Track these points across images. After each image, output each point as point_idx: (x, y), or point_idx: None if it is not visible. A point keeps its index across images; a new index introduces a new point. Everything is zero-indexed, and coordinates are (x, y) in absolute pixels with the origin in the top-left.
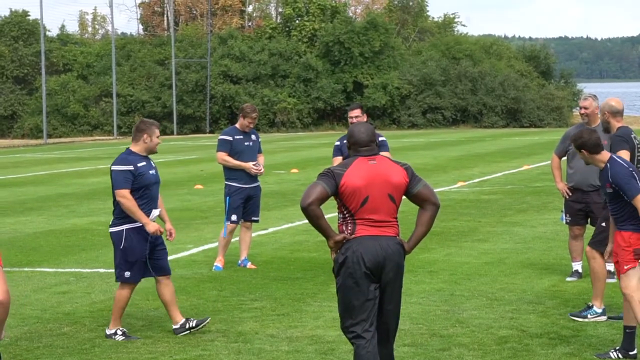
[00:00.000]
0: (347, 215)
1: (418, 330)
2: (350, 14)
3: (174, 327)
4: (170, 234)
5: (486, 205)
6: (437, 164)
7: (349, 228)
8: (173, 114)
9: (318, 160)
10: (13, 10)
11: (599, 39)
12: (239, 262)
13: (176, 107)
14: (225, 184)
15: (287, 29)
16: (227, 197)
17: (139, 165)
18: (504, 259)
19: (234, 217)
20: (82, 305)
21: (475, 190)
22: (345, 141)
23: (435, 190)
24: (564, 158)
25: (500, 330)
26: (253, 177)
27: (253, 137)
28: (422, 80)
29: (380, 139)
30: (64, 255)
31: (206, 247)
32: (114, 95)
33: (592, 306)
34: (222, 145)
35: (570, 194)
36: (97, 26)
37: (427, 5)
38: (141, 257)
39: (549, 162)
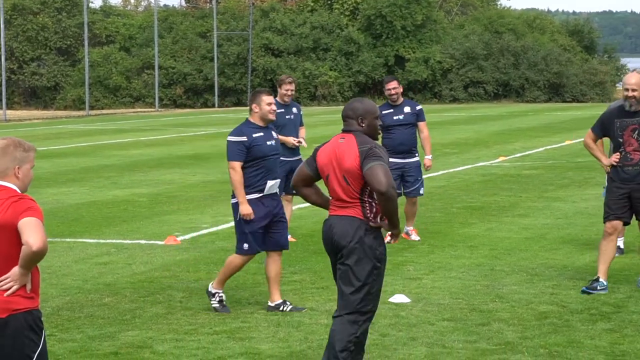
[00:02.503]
0: None
1: (457, 305)
2: None
3: (269, 304)
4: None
5: (527, 180)
6: (479, 138)
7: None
8: (214, 86)
9: None
10: None
11: None
12: None
13: (218, 79)
14: None
15: (329, 2)
16: None
17: (255, 136)
18: (545, 235)
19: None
20: (122, 276)
21: (517, 165)
22: (384, 112)
23: (476, 165)
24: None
25: (541, 305)
26: (294, 150)
27: (294, 110)
28: (464, 55)
29: (418, 107)
30: (105, 226)
31: None
32: (156, 68)
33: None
34: None
35: None
36: None
37: None
38: (259, 228)
39: None
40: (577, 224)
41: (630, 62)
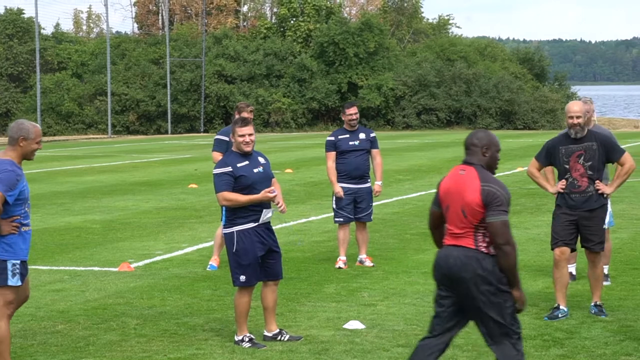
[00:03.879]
0: None
1: (412, 331)
2: (345, 15)
3: (265, 333)
4: (280, 204)
5: None
6: (432, 165)
7: None
8: (167, 113)
9: (312, 160)
10: (8, 8)
11: (593, 41)
12: None
13: (170, 106)
14: None
15: (282, 29)
16: None
17: (239, 165)
18: None
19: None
20: (76, 304)
21: None
22: (340, 136)
23: (429, 191)
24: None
25: None
26: None
27: None
28: (416, 82)
29: (372, 135)
30: (58, 253)
31: (201, 246)
32: (109, 94)
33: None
34: (218, 145)
35: None
36: (91, 25)
37: (422, 7)
38: (255, 259)
39: None
40: (530, 251)
41: (580, 89)
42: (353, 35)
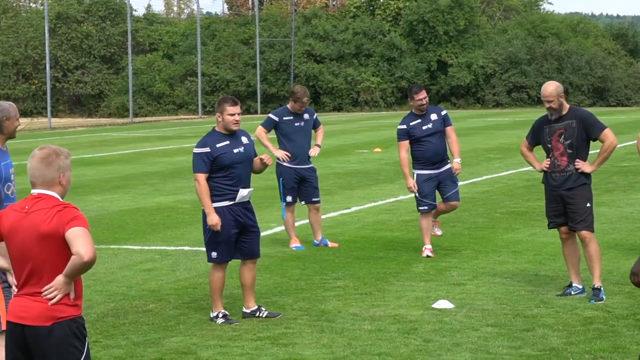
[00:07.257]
0: None
1: (502, 311)
2: None
3: (244, 310)
4: (263, 160)
5: None
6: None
7: None
8: (257, 93)
9: None
10: None
11: None
12: (316, 242)
13: (260, 86)
14: (277, 163)
15: (372, 7)
16: (280, 178)
17: (219, 145)
18: None
19: (289, 199)
20: (167, 283)
21: None
22: (412, 123)
23: (519, 170)
24: None
25: (586, 311)
26: (305, 158)
27: (306, 116)
28: (507, 59)
29: (443, 112)
30: (150, 233)
31: None
32: (199, 75)
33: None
34: (266, 122)
35: None
36: (182, 6)
37: None
38: (228, 237)
39: (635, 141)
40: (622, 229)
41: None
42: (443, 13)
